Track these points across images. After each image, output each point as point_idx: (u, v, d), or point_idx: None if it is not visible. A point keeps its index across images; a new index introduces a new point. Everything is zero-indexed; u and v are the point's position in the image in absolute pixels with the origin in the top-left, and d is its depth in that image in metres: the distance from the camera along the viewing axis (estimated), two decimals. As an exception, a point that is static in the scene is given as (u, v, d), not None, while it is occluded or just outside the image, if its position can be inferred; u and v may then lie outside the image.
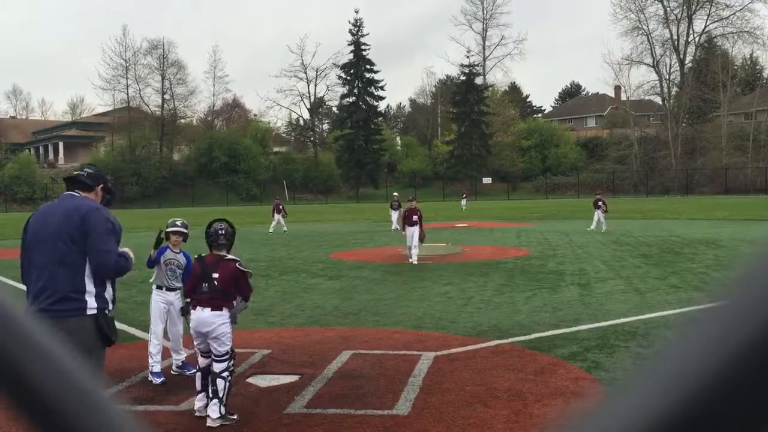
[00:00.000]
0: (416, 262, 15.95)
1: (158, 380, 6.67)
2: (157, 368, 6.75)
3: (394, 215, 29.04)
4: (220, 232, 5.81)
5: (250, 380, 6.66)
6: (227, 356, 5.58)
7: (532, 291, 11.80)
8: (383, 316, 9.82)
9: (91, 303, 4.23)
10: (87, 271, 4.26)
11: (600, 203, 25.80)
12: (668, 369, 0.33)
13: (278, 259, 17.99)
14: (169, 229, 7.10)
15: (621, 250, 18.46)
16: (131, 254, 4.53)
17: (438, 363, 7.13)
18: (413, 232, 16.22)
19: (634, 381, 0.34)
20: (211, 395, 5.51)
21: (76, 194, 4.50)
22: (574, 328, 8.69)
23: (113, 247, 4.37)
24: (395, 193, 33.83)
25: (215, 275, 5.61)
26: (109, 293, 4.38)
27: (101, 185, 4.61)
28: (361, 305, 10.77)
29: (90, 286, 4.25)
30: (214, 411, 5.44)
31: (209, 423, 5.42)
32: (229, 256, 5.82)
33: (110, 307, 4.38)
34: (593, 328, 8.70)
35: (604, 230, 25.15)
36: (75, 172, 4.64)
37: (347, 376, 6.74)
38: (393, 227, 28.37)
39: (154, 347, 6.82)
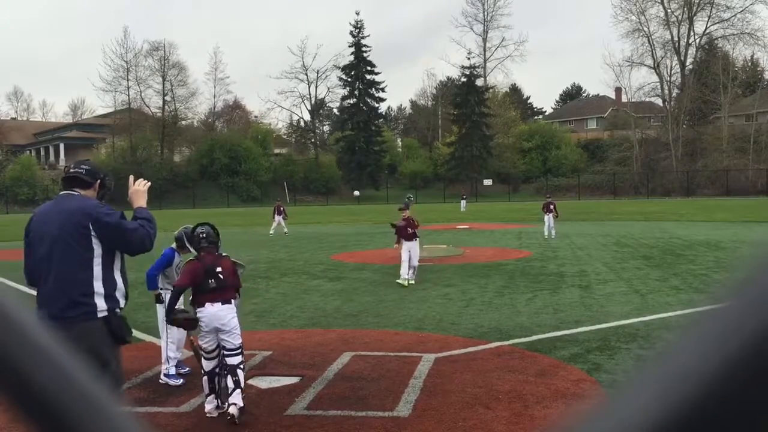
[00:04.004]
0: (414, 282, 13.03)
1: (177, 381, 6.78)
2: (173, 371, 6.86)
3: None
4: (201, 236, 6.04)
5: (250, 382, 6.66)
6: (241, 349, 5.80)
7: (532, 293, 11.79)
8: (384, 318, 9.82)
9: (101, 305, 4.10)
10: (95, 273, 4.12)
11: (551, 206, 22.74)
12: (669, 370, 0.33)
13: (279, 261, 17.99)
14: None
15: (622, 251, 18.45)
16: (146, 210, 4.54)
17: (439, 365, 7.13)
18: (411, 247, 13.23)
19: (634, 382, 0.34)
20: (233, 386, 5.63)
21: (75, 193, 4.33)
22: (574, 330, 8.69)
23: (131, 223, 4.28)
24: (409, 195, 32.99)
25: (219, 269, 5.82)
26: (120, 290, 4.25)
27: (99, 180, 4.48)
28: (362, 307, 10.77)
29: (99, 288, 4.11)
30: (239, 399, 5.59)
31: (232, 410, 5.51)
32: (224, 253, 6.12)
33: (122, 304, 4.25)
34: (594, 329, 8.70)
35: (554, 237, 22.45)
36: (73, 170, 4.45)
37: (348, 378, 6.75)
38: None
39: (172, 351, 6.92)
